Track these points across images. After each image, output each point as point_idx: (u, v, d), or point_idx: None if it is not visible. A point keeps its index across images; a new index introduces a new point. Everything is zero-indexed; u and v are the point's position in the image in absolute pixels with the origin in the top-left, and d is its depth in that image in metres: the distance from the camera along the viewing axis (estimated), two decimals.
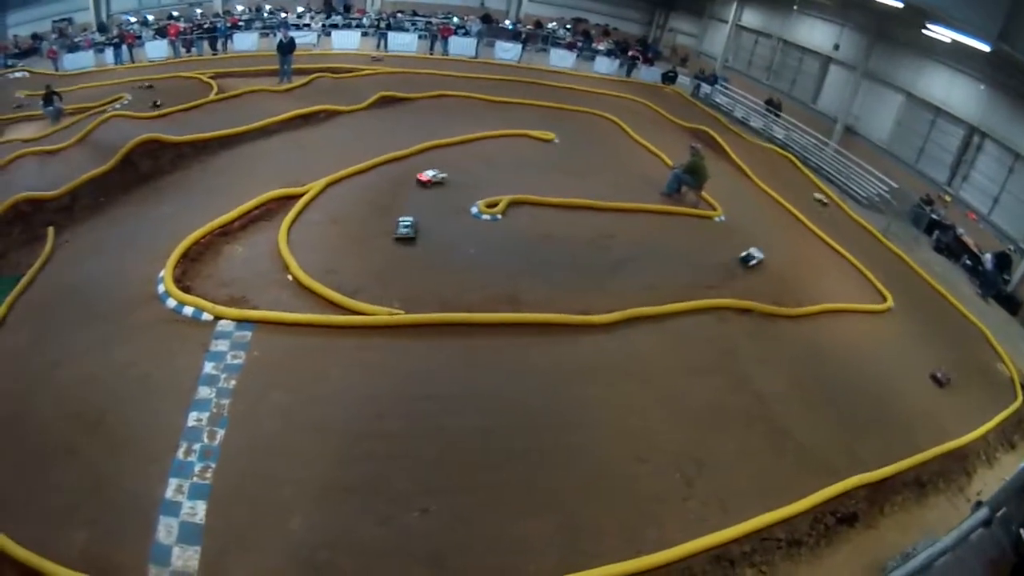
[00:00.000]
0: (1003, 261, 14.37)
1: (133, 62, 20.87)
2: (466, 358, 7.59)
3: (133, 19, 24.21)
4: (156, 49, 21.42)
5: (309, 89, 16.63)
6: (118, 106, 15.01)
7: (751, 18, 25.08)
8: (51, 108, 15.30)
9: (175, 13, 25.02)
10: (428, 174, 11.61)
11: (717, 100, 23.24)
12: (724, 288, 9.89)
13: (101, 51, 21.47)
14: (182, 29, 22.44)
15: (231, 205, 9.93)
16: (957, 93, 16.77)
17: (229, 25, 23.22)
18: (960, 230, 15.91)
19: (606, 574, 5.55)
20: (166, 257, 8.45)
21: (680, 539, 5.95)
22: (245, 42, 22.13)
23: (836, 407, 8.28)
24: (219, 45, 22.19)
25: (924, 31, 15.93)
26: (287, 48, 17.55)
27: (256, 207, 10.12)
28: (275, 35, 21.01)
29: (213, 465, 5.88)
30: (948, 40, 15.23)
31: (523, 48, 24.22)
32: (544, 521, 5.94)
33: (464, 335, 7.86)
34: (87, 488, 5.65)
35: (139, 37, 22.25)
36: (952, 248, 15.81)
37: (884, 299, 11.80)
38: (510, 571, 5.47)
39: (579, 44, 26.25)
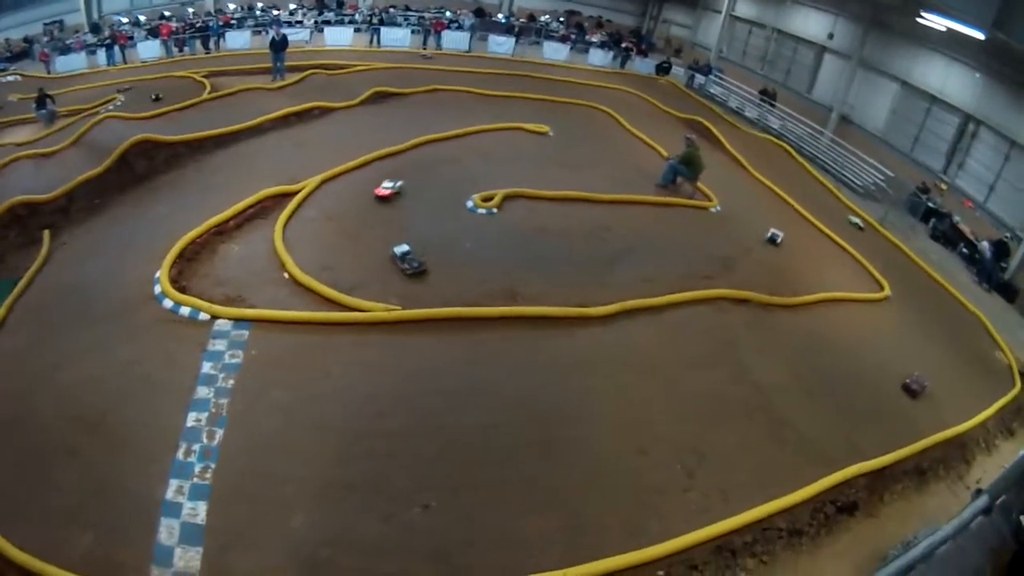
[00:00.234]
0: (1001, 249, 14.40)
1: (126, 63, 20.75)
2: (465, 353, 7.58)
3: (125, 20, 24.09)
4: (148, 49, 21.29)
5: (302, 86, 16.50)
6: (112, 107, 14.93)
7: (745, 8, 24.97)
8: (44, 111, 15.19)
9: (167, 13, 24.94)
10: (386, 186, 10.69)
11: (712, 91, 23.14)
12: (721, 279, 9.89)
13: (93, 53, 21.33)
14: (174, 29, 22.32)
15: (226, 204, 9.89)
16: (952, 81, 16.78)
17: (221, 24, 23.09)
18: (956, 218, 15.94)
19: (609, 566, 5.56)
20: (162, 257, 8.42)
21: (682, 530, 5.97)
22: (238, 40, 21.98)
23: (835, 397, 8.30)
24: (212, 44, 22.05)
25: (919, 19, 15.92)
26: (280, 45, 17.41)
27: (251, 205, 10.08)
28: (268, 33, 20.85)
29: (213, 465, 5.87)
30: (943, 28, 15.23)
31: (516, 41, 24.06)
32: (546, 516, 5.94)
33: (462, 330, 7.85)
34: (89, 490, 5.65)
35: (131, 38, 22.11)
36: (948, 236, 15.85)
37: (881, 288, 11.83)
38: (513, 567, 5.47)
39: (573, 36, 26.14)
